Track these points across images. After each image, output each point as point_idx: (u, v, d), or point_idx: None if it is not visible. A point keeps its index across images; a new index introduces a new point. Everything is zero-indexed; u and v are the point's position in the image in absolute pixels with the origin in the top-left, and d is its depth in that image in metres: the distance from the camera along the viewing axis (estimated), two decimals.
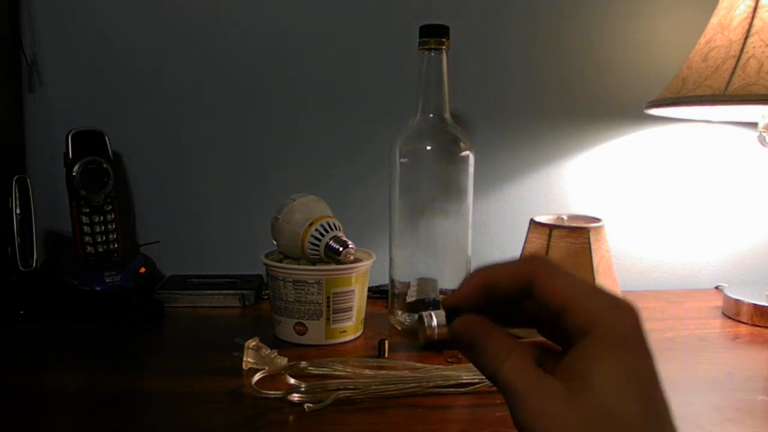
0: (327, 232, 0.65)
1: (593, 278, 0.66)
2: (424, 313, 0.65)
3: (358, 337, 0.68)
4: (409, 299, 0.70)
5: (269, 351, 0.57)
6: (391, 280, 0.73)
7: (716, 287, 0.90)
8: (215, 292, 0.79)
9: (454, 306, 0.29)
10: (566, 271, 0.28)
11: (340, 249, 0.64)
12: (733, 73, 0.68)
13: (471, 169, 0.71)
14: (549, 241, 0.68)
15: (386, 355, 0.61)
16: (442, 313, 0.64)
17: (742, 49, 0.69)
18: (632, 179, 0.93)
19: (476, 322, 0.29)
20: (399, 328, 0.71)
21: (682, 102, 0.73)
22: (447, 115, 0.71)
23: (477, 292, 0.29)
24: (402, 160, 0.70)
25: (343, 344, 0.66)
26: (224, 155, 0.89)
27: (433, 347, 0.64)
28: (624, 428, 0.24)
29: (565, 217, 0.73)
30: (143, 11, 0.85)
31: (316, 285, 0.63)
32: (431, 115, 0.70)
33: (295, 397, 0.50)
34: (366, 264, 0.67)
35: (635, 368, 0.25)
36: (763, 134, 0.75)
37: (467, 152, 0.70)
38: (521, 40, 0.89)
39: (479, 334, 0.28)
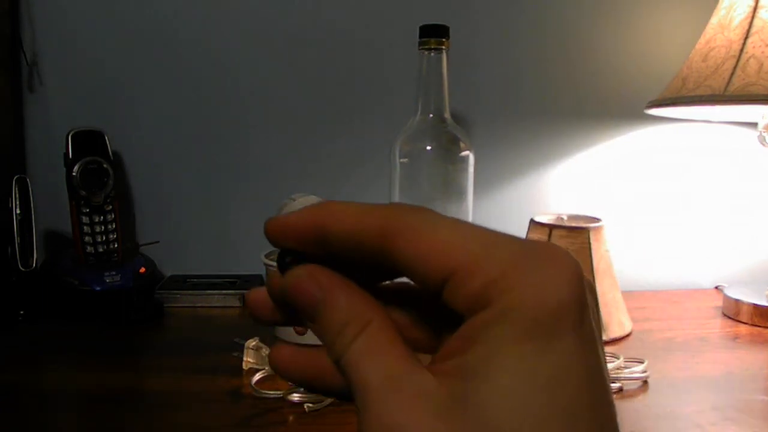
0: None
1: (593, 278, 0.67)
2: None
3: None
4: None
5: (269, 351, 0.57)
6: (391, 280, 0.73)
7: (716, 287, 0.90)
8: (215, 292, 0.79)
9: (289, 246, 0.19)
10: (443, 217, 0.18)
11: None
12: (733, 73, 0.68)
13: (471, 169, 0.71)
14: (549, 241, 0.68)
15: None
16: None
17: (742, 49, 0.69)
18: (632, 179, 0.93)
19: (323, 275, 0.19)
20: None
21: (682, 102, 0.73)
22: (447, 115, 0.71)
23: (306, 232, 0.19)
24: (402, 160, 0.70)
25: None
26: (224, 155, 0.89)
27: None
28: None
29: (564, 217, 0.73)
30: (143, 11, 0.85)
31: None
32: (431, 115, 0.70)
33: (295, 397, 0.50)
34: None
35: (563, 369, 0.16)
36: (763, 134, 0.75)
37: (467, 152, 0.70)
38: (521, 40, 0.89)
39: (325, 295, 0.18)
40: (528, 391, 0.15)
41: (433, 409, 0.16)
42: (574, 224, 0.69)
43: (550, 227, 0.69)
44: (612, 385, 0.54)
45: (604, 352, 0.17)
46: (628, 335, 0.68)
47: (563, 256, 0.17)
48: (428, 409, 0.16)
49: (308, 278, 0.18)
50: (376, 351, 0.17)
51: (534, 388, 0.15)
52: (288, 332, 0.65)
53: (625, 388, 0.54)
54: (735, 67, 0.68)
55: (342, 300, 0.18)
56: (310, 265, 0.19)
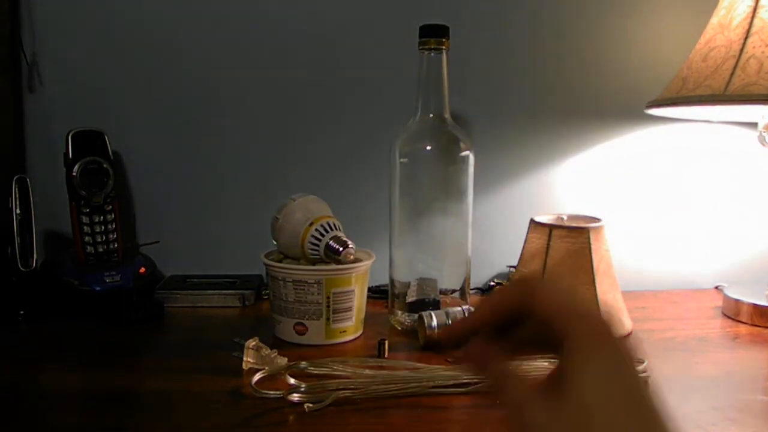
0: (327, 232, 0.65)
1: (593, 278, 0.67)
2: (424, 313, 0.65)
3: (358, 337, 0.68)
4: (409, 299, 0.70)
5: (269, 351, 0.57)
6: (391, 280, 0.73)
7: (716, 287, 0.90)
8: (215, 292, 0.79)
9: (462, 337, 0.33)
10: (554, 284, 0.30)
11: (340, 249, 0.64)
12: (733, 73, 0.68)
13: (471, 169, 0.71)
14: (549, 241, 0.68)
15: (386, 355, 0.61)
16: (442, 312, 0.64)
17: (742, 49, 0.69)
18: (632, 179, 0.93)
19: (479, 352, 0.31)
20: (399, 328, 0.71)
21: (682, 102, 0.73)
22: (447, 115, 0.71)
23: (480, 324, 0.32)
24: (402, 160, 0.70)
25: (343, 344, 0.66)
26: (224, 155, 0.89)
27: (433, 347, 0.64)
28: (611, 408, 0.26)
29: (565, 217, 0.73)
30: (143, 11, 0.85)
31: (316, 285, 0.63)
32: (431, 115, 0.70)
33: (295, 397, 0.50)
34: (366, 264, 0.67)
35: (615, 374, 0.26)
36: (763, 134, 0.75)
37: (467, 152, 0.70)
38: (521, 40, 0.89)
39: (483, 363, 0.31)
40: (601, 386, 0.26)
41: (546, 409, 0.27)
42: (574, 224, 0.69)
43: (550, 227, 0.69)
44: None
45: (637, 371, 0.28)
46: (628, 335, 0.68)
47: (599, 313, 0.29)
48: (544, 409, 0.27)
49: (470, 355, 0.32)
50: (515, 387, 0.29)
51: (604, 383, 0.26)
52: (288, 332, 0.65)
53: None
54: (735, 67, 0.68)
55: (494, 363, 0.31)
56: (472, 345, 0.32)
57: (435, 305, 0.69)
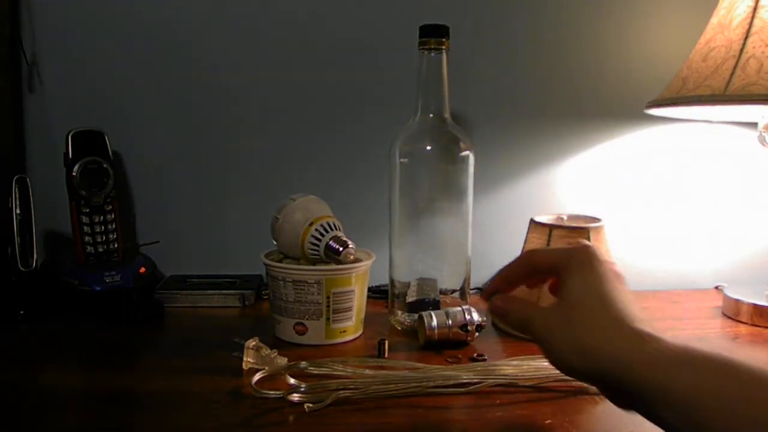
0: (327, 232, 0.65)
1: None
2: (424, 313, 0.65)
3: (358, 337, 0.68)
4: (409, 299, 0.70)
5: (269, 351, 0.57)
6: (391, 280, 0.73)
7: (716, 287, 0.90)
8: (215, 292, 0.79)
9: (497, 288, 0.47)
10: (544, 248, 0.50)
11: (340, 249, 0.64)
12: (733, 73, 0.68)
13: (471, 169, 0.71)
14: (549, 240, 0.68)
15: (386, 355, 0.61)
16: (442, 312, 0.64)
17: (742, 49, 0.69)
18: (632, 179, 0.93)
19: (505, 298, 0.46)
20: (399, 328, 0.71)
21: (682, 102, 0.73)
22: (447, 115, 0.71)
23: (520, 276, 0.47)
24: (402, 160, 0.70)
25: (343, 344, 0.66)
26: (224, 155, 0.89)
27: (433, 347, 0.64)
28: (588, 312, 0.39)
29: (565, 217, 0.73)
30: (143, 12, 0.85)
31: (316, 285, 0.63)
32: (431, 115, 0.70)
33: (295, 397, 0.50)
34: (366, 264, 0.67)
35: (592, 278, 0.40)
36: (763, 134, 0.75)
37: (467, 152, 0.70)
38: (521, 40, 0.89)
39: (508, 306, 0.45)
40: (582, 286, 0.40)
41: (552, 313, 0.41)
42: (574, 224, 0.69)
43: (550, 227, 0.69)
44: None
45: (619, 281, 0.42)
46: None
47: (581, 244, 0.43)
48: (550, 313, 0.41)
49: (497, 302, 0.46)
50: (532, 313, 0.43)
51: (584, 285, 0.41)
52: (288, 332, 0.65)
53: None
54: (735, 67, 0.68)
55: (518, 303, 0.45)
56: (499, 295, 0.46)
57: (435, 305, 0.69)
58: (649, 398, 0.36)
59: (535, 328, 0.41)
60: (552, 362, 0.40)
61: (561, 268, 0.42)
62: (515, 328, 0.44)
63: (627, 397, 0.38)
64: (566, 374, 0.40)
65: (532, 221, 0.72)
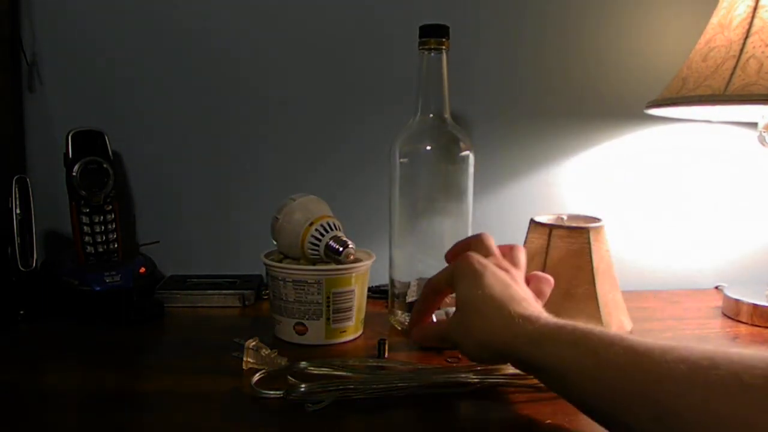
0: (327, 232, 0.65)
1: (593, 278, 0.67)
2: None
3: (358, 337, 0.68)
4: (409, 299, 0.70)
5: (269, 351, 0.57)
6: (391, 280, 0.73)
7: (716, 287, 0.90)
8: (215, 292, 0.79)
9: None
10: (455, 264, 0.53)
11: (340, 249, 0.64)
12: (733, 73, 0.68)
13: (471, 169, 0.71)
14: (549, 241, 0.68)
15: (386, 355, 0.61)
16: (442, 312, 0.64)
17: (742, 49, 0.69)
18: (632, 179, 0.93)
19: (419, 328, 0.60)
20: (399, 328, 0.71)
21: (682, 102, 0.73)
22: (447, 115, 0.71)
23: (428, 303, 0.59)
24: (402, 160, 0.70)
25: (343, 344, 0.66)
26: (224, 155, 0.89)
27: (433, 347, 0.64)
28: (474, 311, 0.48)
29: (565, 217, 0.73)
30: (143, 12, 0.85)
31: (316, 285, 0.63)
32: (431, 115, 0.70)
33: (295, 397, 0.50)
34: (366, 264, 0.67)
35: (473, 282, 0.49)
36: (763, 134, 0.75)
37: (467, 152, 0.70)
38: (521, 40, 0.89)
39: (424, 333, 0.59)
40: (469, 289, 0.50)
41: (450, 321, 0.52)
42: (574, 224, 0.69)
43: (550, 227, 0.69)
44: None
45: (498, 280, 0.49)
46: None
47: (463, 257, 0.52)
48: (450, 321, 0.52)
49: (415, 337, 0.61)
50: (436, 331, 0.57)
51: (469, 288, 0.50)
52: (288, 332, 0.65)
53: None
54: (735, 67, 0.68)
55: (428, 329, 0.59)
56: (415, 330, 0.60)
57: None
58: (539, 374, 0.44)
59: (448, 338, 0.51)
60: (467, 358, 0.50)
61: (452, 282, 0.51)
62: (437, 344, 0.58)
63: (533, 374, 0.46)
64: (480, 363, 0.52)
65: (532, 221, 0.72)
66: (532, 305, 0.47)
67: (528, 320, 0.44)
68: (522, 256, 0.56)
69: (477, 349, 0.48)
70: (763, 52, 0.67)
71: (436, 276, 0.55)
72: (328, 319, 0.64)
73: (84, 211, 0.77)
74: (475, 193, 0.72)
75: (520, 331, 0.43)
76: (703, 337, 0.70)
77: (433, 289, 0.56)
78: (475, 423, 0.49)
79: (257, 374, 0.53)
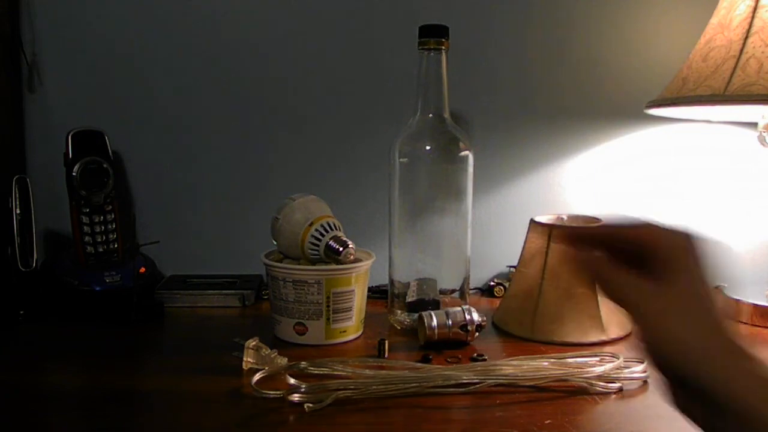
0: (327, 232, 0.65)
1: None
2: (424, 313, 0.65)
3: (358, 337, 0.68)
4: (409, 299, 0.70)
5: (269, 351, 0.57)
6: (391, 280, 0.73)
7: (716, 287, 0.90)
8: (215, 292, 0.79)
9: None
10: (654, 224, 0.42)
11: (340, 249, 0.64)
12: (733, 73, 0.68)
13: (470, 169, 0.71)
14: (549, 241, 0.68)
15: (386, 355, 0.61)
16: (442, 312, 0.64)
17: (742, 49, 0.69)
18: (632, 179, 0.92)
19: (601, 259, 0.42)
20: (399, 328, 0.71)
21: (682, 102, 0.72)
22: (447, 115, 0.71)
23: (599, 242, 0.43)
24: (402, 160, 0.70)
25: (343, 344, 0.66)
26: (224, 155, 0.89)
27: (433, 347, 0.64)
28: (696, 309, 0.39)
29: (565, 217, 0.73)
30: (143, 12, 0.86)
31: (316, 285, 0.63)
32: (431, 115, 0.70)
33: (295, 397, 0.50)
34: (366, 264, 0.67)
35: (702, 273, 0.41)
36: (763, 134, 0.75)
37: (467, 152, 0.70)
38: (521, 40, 0.89)
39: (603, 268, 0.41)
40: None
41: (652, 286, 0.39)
42: (574, 224, 0.69)
43: (550, 227, 0.69)
44: (612, 385, 0.54)
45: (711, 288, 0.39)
46: (628, 335, 0.68)
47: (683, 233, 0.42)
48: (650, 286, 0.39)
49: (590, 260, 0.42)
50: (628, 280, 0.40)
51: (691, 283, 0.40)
52: (288, 332, 0.65)
53: (625, 388, 0.54)
54: (735, 67, 0.68)
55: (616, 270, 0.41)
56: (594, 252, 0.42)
57: (435, 305, 0.69)
58: (730, 415, 0.35)
59: (641, 297, 0.39)
60: (644, 343, 0.39)
61: (667, 251, 0.41)
62: (612, 294, 0.40)
63: (697, 404, 0.37)
64: (648, 356, 0.39)
65: (532, 221, 0.72)
66: (744, 338, 0.40)
67: (747, 357, 0.38)
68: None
69: (671, 345, 0.38)
70: (763, 52, 0.67)
71: (657, 227, 0.41)
72: (328, 319, 0.64)
73: (84, 211, 0.77)
74: (475, 193, 0.72)
75: (738, 365, 0.37)
76: None
77: (637, 239, 0.42)
78: (475, 423, 0.49)
79: (257, 374, 0.53)
